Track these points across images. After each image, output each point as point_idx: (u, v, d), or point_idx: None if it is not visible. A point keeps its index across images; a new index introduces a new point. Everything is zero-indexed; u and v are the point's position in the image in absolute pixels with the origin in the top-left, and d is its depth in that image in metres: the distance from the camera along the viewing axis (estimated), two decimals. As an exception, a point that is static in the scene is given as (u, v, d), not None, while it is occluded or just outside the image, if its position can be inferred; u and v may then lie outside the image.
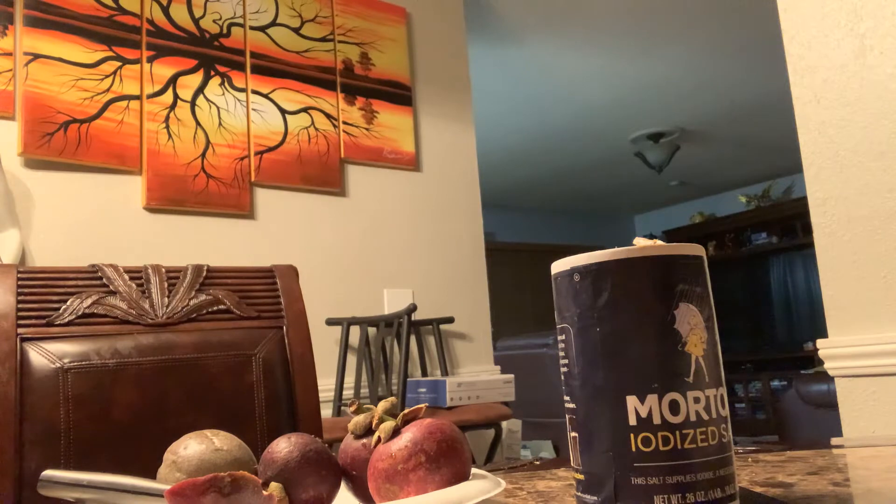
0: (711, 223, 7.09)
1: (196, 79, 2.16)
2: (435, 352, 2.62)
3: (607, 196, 7.25)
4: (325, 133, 2.41)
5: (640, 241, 0.44)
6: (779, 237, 6.60)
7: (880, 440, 0.79)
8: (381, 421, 0.53)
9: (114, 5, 2.05)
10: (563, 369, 0.45)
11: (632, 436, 0.41)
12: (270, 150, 2.29)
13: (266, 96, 2.30)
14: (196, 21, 2.20)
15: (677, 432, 0.41)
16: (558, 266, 0.46)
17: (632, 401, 0.41)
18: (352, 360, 2.47)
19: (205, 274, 1.05)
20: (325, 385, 2.37)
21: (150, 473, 0.54)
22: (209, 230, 2.16)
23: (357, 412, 0.56)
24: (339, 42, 2.50)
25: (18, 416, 0.93)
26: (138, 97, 2.04)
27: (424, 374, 2.59)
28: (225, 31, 2.25)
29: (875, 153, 1.39)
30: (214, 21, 2.23)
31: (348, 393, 2.44)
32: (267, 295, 1.09)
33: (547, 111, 4.72)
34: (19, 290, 0.97)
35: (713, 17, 3.52)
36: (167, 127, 2.08)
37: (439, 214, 2.67)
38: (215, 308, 1.06)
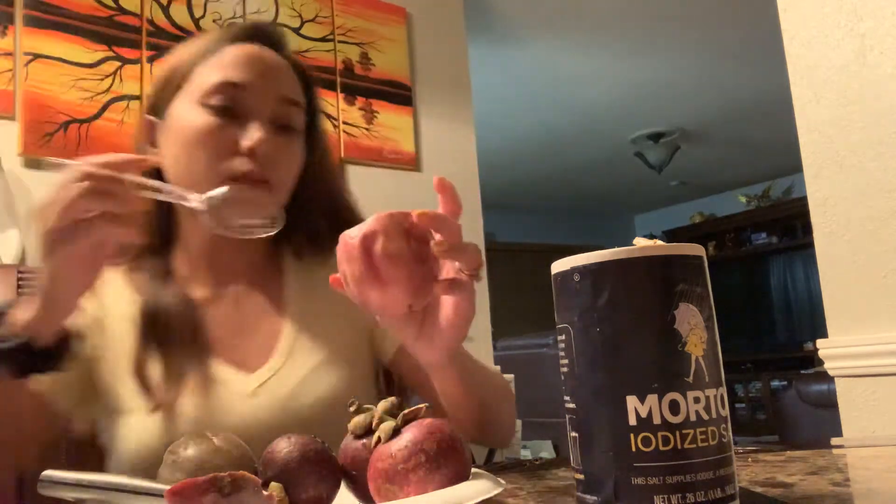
0: (711, 223, 7.08)
1: (196, 79, 2.16)
2: (435, 352, 2.61)
3: (607, 196, 7.25)
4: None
5: (640, 241, 0.44)
6: (779, 237, 6.59)
7: (880, 440, 0.79)
8: (381, 421, 0.53)
9: (114, 5, 2.05)
10: (563, 369, 0.46)
11: (632, 436, 0.41)
12: (270, 150, 2.28)
13: (266, 96, 2.30)
14: (196, 21, 2.20)
15: (677, 432, 0.41)
16: (558, 266, 0.46)
17: (632, 401, 0.41)
18: (352, 360, 2.47)
19: (205, 274, 1.04)
20: (325, 385, 2.37)
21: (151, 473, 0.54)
22: (209, 230, 2.16)
23: (357, 412, 0.56)
24: (339, 42, 2.50)
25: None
26: (138, 97, 2.04)
27: (424, 374, 2.58)
28: (225, 31, 2.26)
29: (875, 153, 1.39)
30: (214, 21, 2.23)
31: (348, 393, 2.44)
32: (267, 295, 1.08)
33: (547, 111, 4.72)
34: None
35: (713, 17, 3.52)
36: (167, 127, 2.08)
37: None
38: (215, 308, 1.05)
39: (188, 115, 0.78)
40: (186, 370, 0.75)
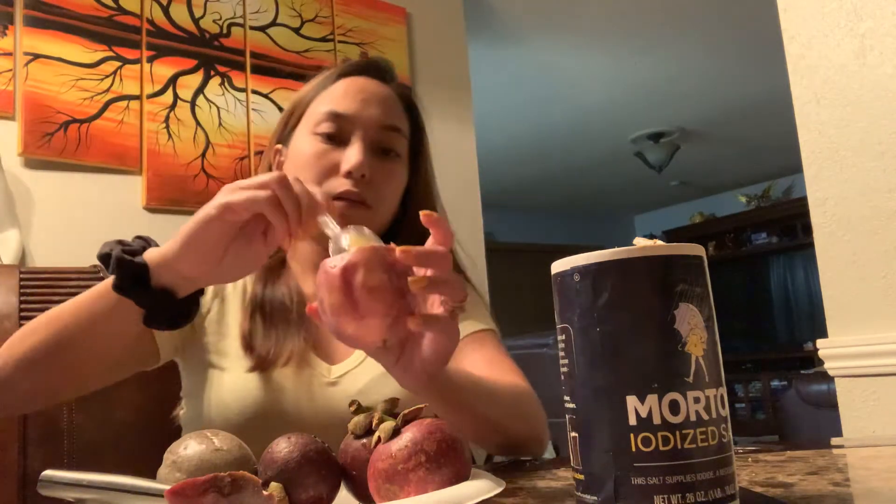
0: (711, 223, 7.08)
1: (196, 79, 2.16)
2: (435, 352, 2.60)
3: (607, 196, 7.24)
4: (325, 133, 2.40)
5: (640, 241, 0.44)
6: (779, 237, 6.59)
7: (880, 440, 0.79)
8: (381, 421, 0.53)
9: (114, 5, 2.05)
10: (563, 369, 0.46)
11: (632, 436, 0.41)
12: (270, 150, 2.28)
13: (266, 96, 2.30)
14: (196, 21, 2.20)
15: (677, 432, 0.41)
16: (558, 266, 0.46)
17: (632, 401, 0.41)
18: (352, 360, 2.46)
19: (205, 274, 1.04)
20: (326, 385, 2.37)
21: (151, 473, 0.54)
22: (209, 230, 2.16)
23: (357, 412, 0.56)
24: (339, 42, 2.50)
25: (22, 416, 0.93)
26: (138, 97, 2.04)
27: (424, 374, 2.58)
28: (225, 31, 2.25)
29: (875, 153, 1.39)
30: (214, 21, 2.23)
31: (348, 393, 2.44)
32: (267, 295, 1.08)
33: (547, 111, 4.71)
34: (21, 291, 0.97)
35: (713, 17, 3.52)
36: (167, 127, 2.08)
37: (439, 214, 2.66)
38: (215, 308, 1.05)
39: (302, 143, 0.90)
40: (285, 346, 0.84)
